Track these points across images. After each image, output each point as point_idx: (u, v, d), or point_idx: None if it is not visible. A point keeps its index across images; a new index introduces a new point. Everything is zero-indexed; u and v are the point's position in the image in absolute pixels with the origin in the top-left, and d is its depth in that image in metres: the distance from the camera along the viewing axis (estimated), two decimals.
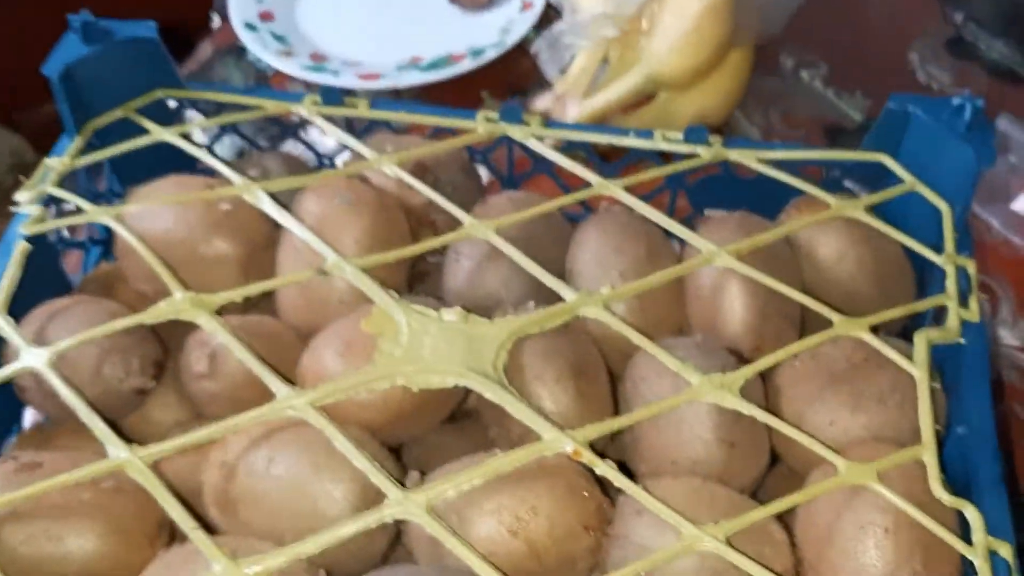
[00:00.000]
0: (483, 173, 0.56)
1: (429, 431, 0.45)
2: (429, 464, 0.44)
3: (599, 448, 0.43)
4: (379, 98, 0.68)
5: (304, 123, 0.56)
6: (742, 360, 0.43)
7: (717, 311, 0.46)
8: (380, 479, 0.38)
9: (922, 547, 0.36)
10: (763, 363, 0.41)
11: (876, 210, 0.48)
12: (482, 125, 0.51)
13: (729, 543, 0.36)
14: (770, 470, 0.44)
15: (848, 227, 0.47)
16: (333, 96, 0.53)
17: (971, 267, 0.44)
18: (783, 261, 0.47)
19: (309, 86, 0.72)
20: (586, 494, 0.39)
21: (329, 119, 0.53)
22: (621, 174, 0.51)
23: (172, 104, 0.55)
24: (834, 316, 0.42)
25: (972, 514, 0.36)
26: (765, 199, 0.50)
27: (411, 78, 0.68)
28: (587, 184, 0.48)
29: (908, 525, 0.36)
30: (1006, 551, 0.35)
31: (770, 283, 0.44)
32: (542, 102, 0.65)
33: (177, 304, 0.44)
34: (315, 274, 0.45)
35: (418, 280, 0.52)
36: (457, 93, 0.71)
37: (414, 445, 0.46)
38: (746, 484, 0.42)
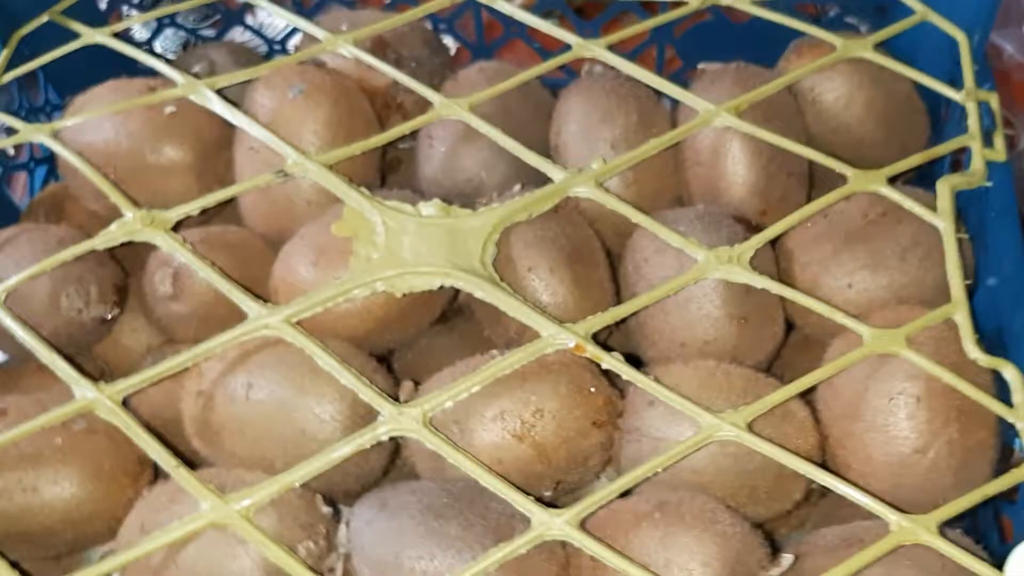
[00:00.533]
0: (450, 43, 0.51)
1: (419, 335, 0.42)
2: (422, 369, 0.42)
3: (603, 337, 0.41)
4: None
5: (250, 6, 0.51)
6: (748, 226, 0.40)
7: (719, 175, 0.42)
8: (370, 395, 0.35)
9: (958, 413, 0.34)
10: (773, 231, 0.38)
11: (883, 46, 0.44)
12: None
13: (750, 428, 0.33)
14: (785, 338, 0.41)
15: (854, 68, 0.43)
16: None
17: (994, 101, 0.40)
18: (786, 113, 0.43)
19: None
20: (592, 389, 0.36)
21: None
22: (602, 32, 0.47)
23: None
24: (848, 170, 0.39)
25: (1011, 373, 0.34)
26: (762, 45, 0.45)
27: None
28: (566, 47, 0.44)
29: (941, 391, 0.34)
30: None
31: (774, 140, 0.40)
32: None
33: (129, 225, 0.40)
34: (275, 177, 0.41)
35: (391, 169, 0.48)
36: None
37: (405, 350, 0.43)
38: (761, 359, 0.40)
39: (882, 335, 0.35)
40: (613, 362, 0.35)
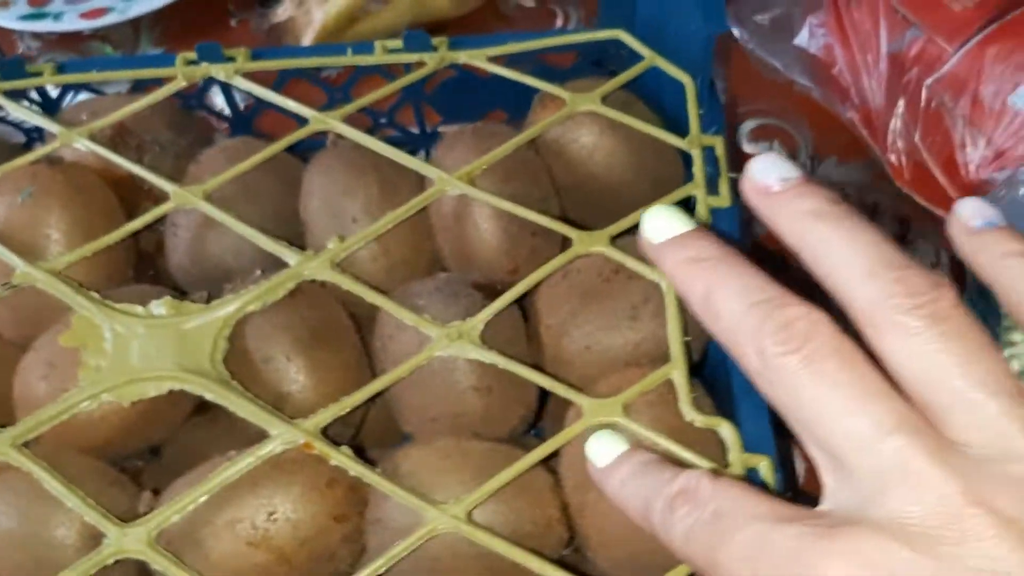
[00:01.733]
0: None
1: (175, 430, 0.41)
2: (187, 465, 0.41)
3: (358, 419, 0.40)
4: (80, 50, 0.61)
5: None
6: (490, 292, 0.40)
7: (465, 240, 0.41)
8: (95, 516, 0.34)
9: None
10: (502, 301, 0.38)
11: (634, 90, 0.44)
12: (181, 71, 0.45)
13: (470, 517, 0.33)
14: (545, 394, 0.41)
15: (593, 118, 0.42)
16: (13, 68, 0.46)
17: (719, 146, 0.40)
18: (529, 169, 0.42)
19: (40, 36, 0.64)
20: (329, 484, 0.36)
21: (19, 94, 0.46)
22: (353, 95, 0.46)
23: None
24: (572, 232, 0.39)
25: (726, 432, 0.34)
26: (518, 91, 0.45)
27: (142, 6, 0.60)
28: (304, 120, 0.43)
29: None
30: (765, 466, 0.33)
31: (502, 204, 0.40)
32: (284, 10, 0.58)
33: None
34: (2, 291, 0.39)
35: (160, 251, 0.47)
36: (202, 11, 0.63)
37: (169, 445, 0.42)
38: (515, 424, 0.39)
39: (600, 405, 0.35)
40: (341, 458, 0.35)
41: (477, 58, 0.44)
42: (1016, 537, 0.20)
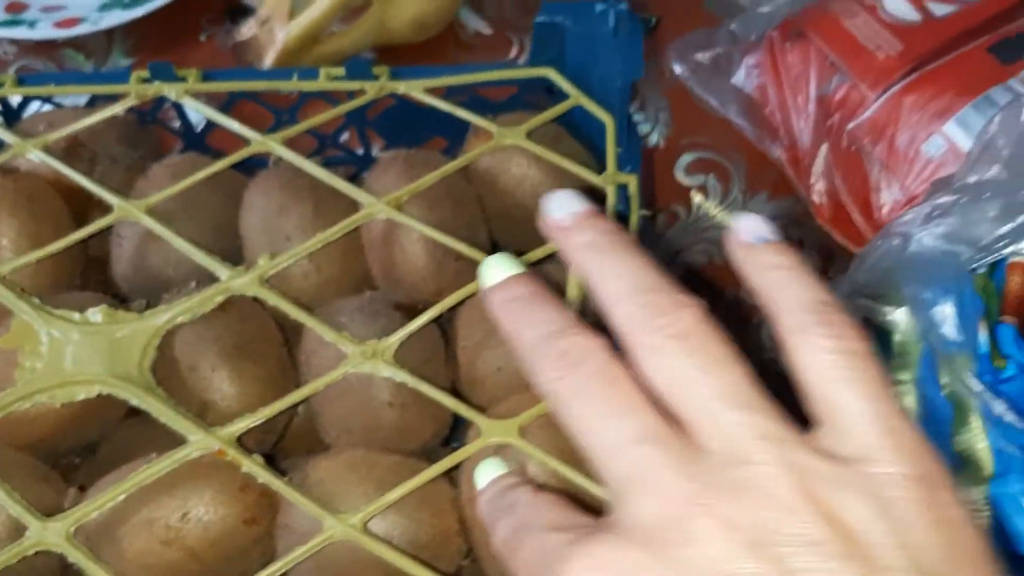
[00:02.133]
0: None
1: (109, 430, 0.44)
2: (121, 462, 0.43)
3: (280, 427, 0.43)
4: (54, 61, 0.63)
5: None
6: (410, 312, 0.42)
7: (392, 262, 0.44)
8: (18, 510, 0.37)
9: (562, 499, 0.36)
10: (416, 322, 0.40)
11: (568, 125, 0.46)
12: (134, 87, 0.47)
13: (366, 526, 0.35)
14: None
15: (522, 150, 0.45)
16: None
17: (633, 184, 0.42)
18: (457, 197, 0.45)
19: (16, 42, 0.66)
20: (242, 489, 0.38)
21: None
22: (300, 116, 0.48)
23: None
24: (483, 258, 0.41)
25: None
26: (456, 120, 0.47)
27: (114, 18, 0.63)
28: (247, 141, 0.45)
29: (545, 478, 0.36)
30: None
31: (429, 231, 0.42)
32: (248, 29, 0.61)
33: None
34: None
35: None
36: (176, 26, 0.66)
37: (105, 443, 0.45)
38: (428, 439, 0.42)
39: (496, 425, 0.37)
40: (251, 465, 0.37)
41: (415, 88, 0.46)
42: (739, 542, 0.22)
